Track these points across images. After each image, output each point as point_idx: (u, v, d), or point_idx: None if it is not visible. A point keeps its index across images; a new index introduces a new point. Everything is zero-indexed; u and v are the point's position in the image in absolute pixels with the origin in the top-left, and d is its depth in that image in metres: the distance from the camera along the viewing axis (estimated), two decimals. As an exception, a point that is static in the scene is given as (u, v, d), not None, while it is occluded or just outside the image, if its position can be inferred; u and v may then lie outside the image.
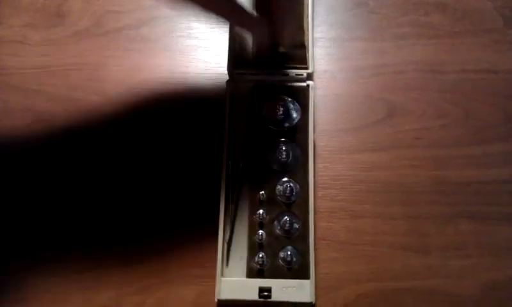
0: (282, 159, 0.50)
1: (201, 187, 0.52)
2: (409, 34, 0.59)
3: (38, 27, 0.59)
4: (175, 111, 0.55)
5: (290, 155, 0.50)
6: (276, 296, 0.46)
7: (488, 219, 0.51)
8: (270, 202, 0.49)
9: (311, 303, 0.46)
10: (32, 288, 0.49)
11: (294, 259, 0.47)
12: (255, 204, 0.49)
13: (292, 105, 0.52)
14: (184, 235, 0.51)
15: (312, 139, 0.51)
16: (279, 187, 0.49)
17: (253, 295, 0.46)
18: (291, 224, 0.48)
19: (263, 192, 0.49)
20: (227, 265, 0.48)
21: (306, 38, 0.53)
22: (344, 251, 0.50)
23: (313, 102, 0.52)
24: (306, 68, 0.52)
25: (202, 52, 0.58)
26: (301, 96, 0.52)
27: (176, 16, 0.59)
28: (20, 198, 0.52)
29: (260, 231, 0.48)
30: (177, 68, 0.57)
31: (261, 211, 0.49)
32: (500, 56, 0.58)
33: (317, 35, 0.59)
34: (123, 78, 0.57)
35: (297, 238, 0.48)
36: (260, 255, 0.47)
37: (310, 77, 0.53)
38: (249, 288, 0.47)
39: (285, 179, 0.49)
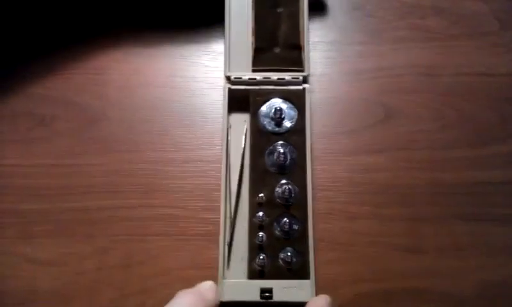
0: (280, 162, 0.50)
1: (201, 190, 0.53)
2: (406, 38, 0.60)
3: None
4: (175, 113, 0.56)
5: (288, 158, 0.51)
6: (277, 296, 0.47)
7: (483, 220, 0.52)
8: (269, 204, 0.50)
9: None
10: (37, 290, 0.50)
11: (294, 259, 0.48)
12: (254, 207, 0.50)
13: (288, 108, 0.53)
14: (184, 236, 0.51)
15: (309, 140, 0.51)
16: (278, 189, 0.50)
17: (255, 296, 0.47)
18: (290, 225, 0.48)
19: (262, 194, 0.50)
20: (228, 266, 0.49)
21: (301, 39, 0.54)
22: (342, 251, 0.51)
23: (310, 104, 0.53)
24: (302, 71, 0.53)
25: (202, 55, 0.59)
26: (298, 99, 0.53)
27: (176, 21, 0.60)
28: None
29: (260, 233, 0.49)
30: (177, 71, 0.58)
31: (261, 213, 0.49)
32: (496, 59, 0.59)
33: (315, 39, 0.59)
34: (125, 82, 0.57)
35: (297, 239, 0.48)
36: (261, 257, 0.48)
37: (305, 79, 0.54)
38: (250, 289, 0.47)
39: (283, 181, 0.50)
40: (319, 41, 0.59)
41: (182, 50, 0.59)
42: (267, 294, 0.47)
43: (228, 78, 0.54)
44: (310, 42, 0.59)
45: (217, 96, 0.56)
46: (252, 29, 0.55)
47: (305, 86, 0.53)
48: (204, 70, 0.58)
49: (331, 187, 0.53)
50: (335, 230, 0.51)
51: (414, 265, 0.50)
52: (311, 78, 0.57)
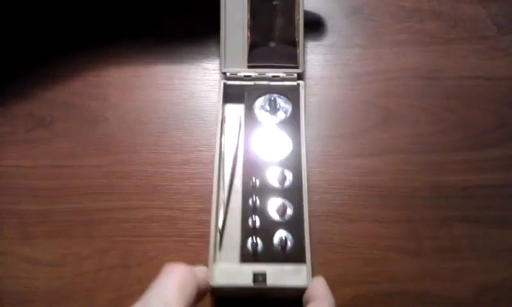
0: (274, 149, 0.50)
1: (199, 192, 0.53)
2: (404, 41, 0.60)
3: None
4: (173, 115, 0.57)
5: (283, 145, 0.51)
6: (271, 281, 0.44)
7: (481, 222, 0.52)
8: (263, 188, 0.49)
9: (307, 287, 0.42)
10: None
11: (289, 243, 0.46)
12: (248, 191, 0.49)
13: (283, 102, 0.53)
14: (182, 238, 0.51)
15: (303, 128, 0.51)
16: (272, 175, 0.49)
17: (247, 281, 0.44)
18: (284, 208, 0.47)
19: (256, 179, 0.49)
20: (220, 249, 0.47)
21: (297, 34, 0.54)
22: (340, 253, 0.51)
23: (304, 98, 0.53)
24: (297, 68, 0.54)
25: (200, 58, 0.59)
26: (293, 93, 0.54)
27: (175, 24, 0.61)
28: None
29: (254, 216, 0.47)
30: (176, 74, 0.58)
31: (254, 196, 0.48)
32: (494, 63, 0.59)
33: (314, 42, 0.60)
34: (124, 84, 0.58)
35: (292, 222, 0.47)
36: (254, 239, 0.46)
37: (300, 76, 0.55)
38: (243, 274, 0.44)
39: (277, 167, 0.50)
40: (318, 44, 0.60)
41: (181, 52, 0.59)
42: (260, 279, 0.44)
43: (224, 74, 0.54)
44: (310, 45, 0.60)
45: (216, 98, 0.56)
46: (247, 22, 0.55)
47: (299, 82, 0.54)
48: (202, 73, 0.58)
49: (329, 190, 0.53)
50: (333, 232, 0.51)
51: (413, 267, 0.50)
52: (309, 82, 0.57)
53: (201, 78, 0.58)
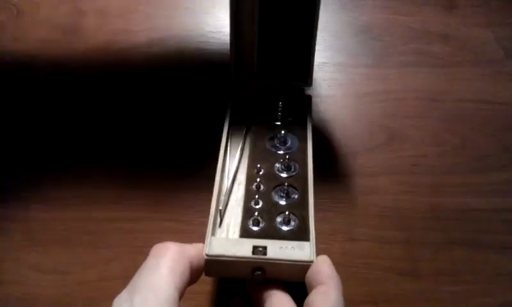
0: (281, 143, 0.51)
1: (205, 205, 0.53)
2: (411, 62, 0.61)
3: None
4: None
5: (289, 141, 0.51)
6: (271, 254, 0.41)
7: (481, 246, 0.52)
8: (268, 175, 0.48)
9: (312, 261, 0.40)
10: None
11: (292, 222, 0.45)
12: (252, 177, 0.48)
13: (290, 107, 0.54)
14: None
15: (310, 130, 0.52)
16: (277, 165, 0.49)
17: (246, 252, 0.41)
18: (289, 193, 0.47)
19: (261, 166, 0.49)
20: (220, 226, 0.46)
21: (308, 51, 0.55)
22: (339, 272, 0.50)
23: (311, 108, 0.54)
24: (306, 83, 0.55)
25: (212, 70, 0.60)
26: (300, 102, 0.54)
27: (186, 36, 0.62)
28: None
29: (257, 197, 0.46)
30: (187, 84, 0.60)
31: (258, 180, 0.48)
32: (499, 87, 0.59)
33: (322, 60, 0.61)
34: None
35: (296, 205, 0.46)
36: (256, 215, 0.45)
37: (308, 93, 0.55)
38: (242, 245, 0.41)
39: (283, 158, 0.49)
40: (325, 62, 0.60)
41: (192, 65, 0.60)
42: (260, 249, 0.41)
43: (234, 83, 0.55)
44: (317, 63, 0.60)
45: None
46: (256, 37, 0.55)
47: (308, 95, 0.55)
48: (213, 84, 0.59)
49: (332, 208, 0.54)
50: (333, 250, 0.51)
51: (411, 289, 0.50)
52: (316, 99, 0.58)
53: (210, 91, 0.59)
